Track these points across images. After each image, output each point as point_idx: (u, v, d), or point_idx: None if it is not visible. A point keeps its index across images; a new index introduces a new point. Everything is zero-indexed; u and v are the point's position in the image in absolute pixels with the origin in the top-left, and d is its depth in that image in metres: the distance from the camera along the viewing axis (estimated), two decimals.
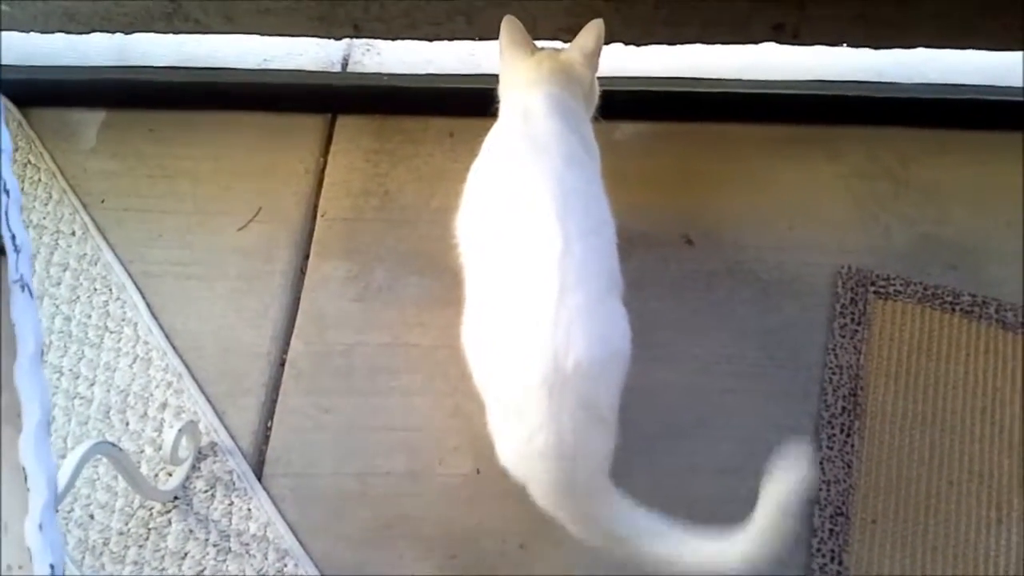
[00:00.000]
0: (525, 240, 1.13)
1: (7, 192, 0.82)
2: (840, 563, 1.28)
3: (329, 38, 1.75)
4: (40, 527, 0.78)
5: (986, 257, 1.61)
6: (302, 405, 1.49)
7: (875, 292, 1.53)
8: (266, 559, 1.35)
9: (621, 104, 1.75)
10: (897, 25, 1.64)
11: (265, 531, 1.37)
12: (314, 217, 1.69)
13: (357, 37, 1.74)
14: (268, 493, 1.41)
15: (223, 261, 1.65)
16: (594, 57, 1.34)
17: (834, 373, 1.45)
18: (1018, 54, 1.69)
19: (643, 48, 1.73)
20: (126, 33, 1.75)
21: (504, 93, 1.36)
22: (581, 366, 1.05)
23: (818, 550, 1.30)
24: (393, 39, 1.75)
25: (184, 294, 1.60)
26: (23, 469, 0.79)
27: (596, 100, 1.37)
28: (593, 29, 1.33)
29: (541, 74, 1.30)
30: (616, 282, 1.17)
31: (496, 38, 1.64)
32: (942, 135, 1.77)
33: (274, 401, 1.49)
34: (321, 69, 1.90)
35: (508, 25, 1.36)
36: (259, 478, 1.42)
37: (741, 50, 1.71)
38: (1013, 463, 1.37)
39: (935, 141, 1.76)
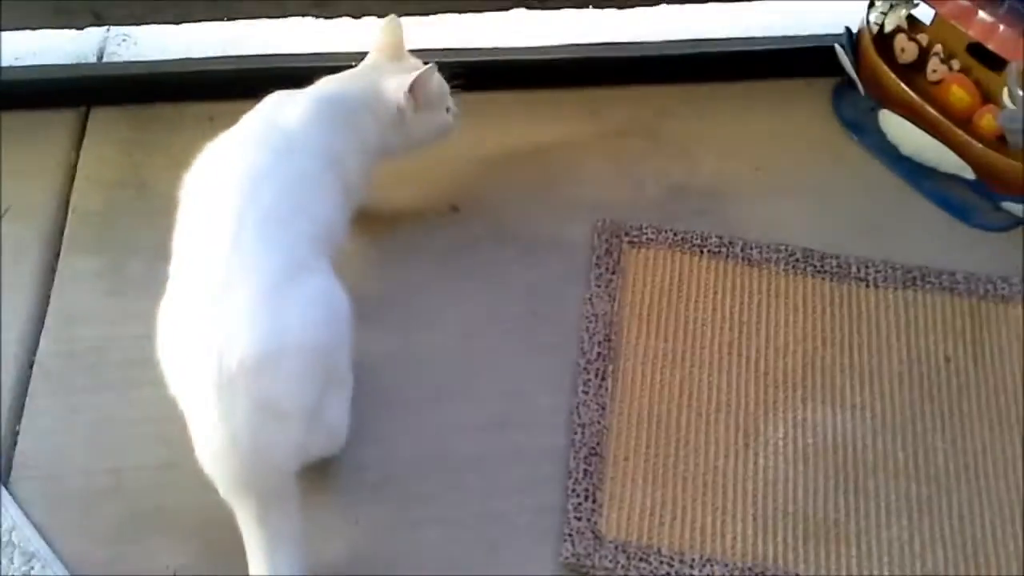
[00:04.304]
0: (201, 231, 1.11)
1: None
2: (594, 500, 1.31)
3: (69, 27, 1.69)
4: None
5: (735, 201, 1.68)
6: (51, 405, 1.43)
7: (628, 242, 1.57)
8: (12, 563, 1.29)
9: None
10: None
11: (11, 536, 1.31)
12: (66, 212, 1.63)
13: (100, 25, 1.69)
14: (14, 497, 1.35)
15: None
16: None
17: (590, 322, 1.48)
18: (758, 5, 1.76)
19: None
20: None
21: None
22: (246, 364, 1.03)
23: (573, 490, 1.32)
24: (137, 24, 1.70)
25: None
26: None
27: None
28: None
29: None
30: (307, 266, 1.16)
31: (241, 17, 1.62)
32: (694, 89, 1.83)
33: (22, 404, 1.43)
34: (75, 63, 1.83)
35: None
36: (5, 483, 1.35)
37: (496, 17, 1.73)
38: (759, 391, 1.43)
39: (688, 96, 1.82)
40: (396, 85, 1.37)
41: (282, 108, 1.32)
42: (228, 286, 1.08)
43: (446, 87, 1.45)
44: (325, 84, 1.41)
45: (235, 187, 1.18)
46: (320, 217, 1.24)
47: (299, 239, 1.18)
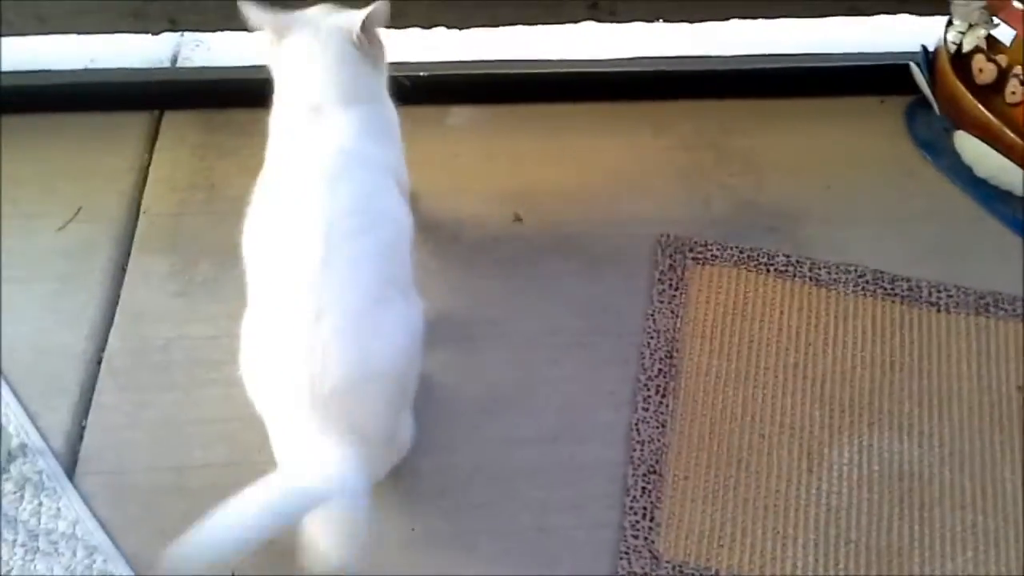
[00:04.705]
0: (287, 249, 1.13)
1: None
2: (652, 519, 1.29)
3: (146, 33, 1.72)
4: None
5: (803, 219, 1.65)
6: (118, 402, 1.46)
7: (693, 258, 1.55)
8: (75, 556, 1.31)
9: (452, 89, 1.77)
10: None
11: (74, 529, 1.33)
12: (137, 214, 1.66)
13: (174, 31, 1.73)
14: (79, 491, 1.37)
15: (41, 263, 1.61)
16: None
17: (652, 337, 1.47)
18: (827, 21, 1.73)
19: (468, 32, 1.74)
20: None
21: None
22: (338, 390, 1.06)
23: (631, 508, 1.31)
24: (212, 31, 1.73)
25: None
26: None
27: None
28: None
29: None
30: (397, 279, 1.17)
31: None
32: (763, 105, 1.81)
33: (89, 400, 1.46)
34: (149, 67, 1.87)
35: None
36: (71, 477, 1.38)
37: (566, 30, 1.73)
38: (824, 415, 1.40)
39: (756, 111, 1.80)
40: (347, 19, 1.23)
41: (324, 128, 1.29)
42: (320, 312, 1.08)
43: None
44: None
45: (314, 211, 1.16)
46: (395, 224, 1.24)
47: (382, 253, 1.17)
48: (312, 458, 1.08)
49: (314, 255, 1.10)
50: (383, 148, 1.29)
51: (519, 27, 1.72)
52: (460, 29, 1.72)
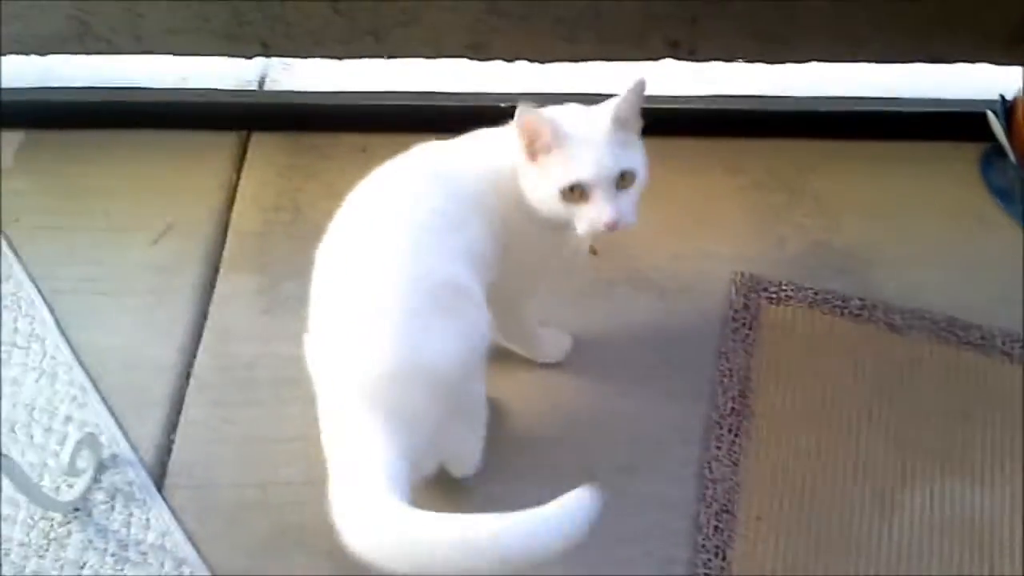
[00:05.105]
0: (358, 246, 1.17)
1: None
2: (724, 558, 1.32)
3: (238, 56, 1.78)
4: None
5: (877, 263, 1.67)
6: (205, 417, 1.51)
7: (767, 298, 1.58)
8: (163, 567, 1.36)
9: None
10: (787, 41, 1.70)
11: (163, 540, 1.38)
12: (225, 232, 1.72)
13: (266, 55, 1.78)
14: (168, 503, 1.42)
15: (133, 277, 1.67)
16: None
17: (724, 375, 1.49)
18: (905, 66, 1.75)
19: (549, 66, 1.78)
20: (40, 55, 1.77)
21: None
22: (384, 375, 1.11)
23: (703, 546, 1.33)
24: (303, 57, 1.78)
25: (93, 310, 1.62)
26: None
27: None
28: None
29: None
30: (460, 290, 1.18)
31: (400, 55, 1.69)
32: (837, 146, 1.83)
33: (178, 413, 1.51)
34: (238, 87, 1.93)
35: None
36: (160, 489, 1.44)
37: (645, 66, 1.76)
38: (896, 459, 1.42)
39: (831, 152, 1.82)
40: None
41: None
42: (380, 306, 1.12)
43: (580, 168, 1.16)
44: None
45: (391, 210, 1.20)
46: (475, 246, 1.23)
47: (453, 260, 1.19)
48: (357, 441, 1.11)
49: (381, 251, 1.15)
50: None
51: (600, 62, 1.74)
52: (542, 63, 1.75)
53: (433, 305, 1.14)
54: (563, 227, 1.21)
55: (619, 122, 1.16)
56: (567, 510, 1.02)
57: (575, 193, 1.16)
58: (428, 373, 1.13)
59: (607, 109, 1.17)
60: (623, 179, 1.17)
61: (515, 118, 1.15)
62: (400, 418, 1.12)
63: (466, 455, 1.38)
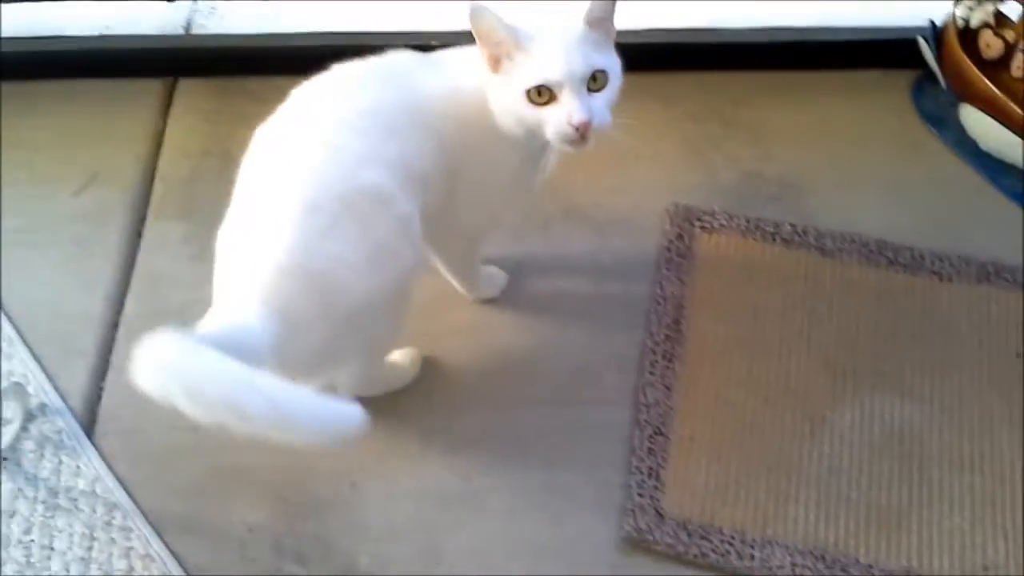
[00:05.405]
0: (282, 146, 1.14)
1: None
2: (657, 478, 1.33)
3: (166, 0, 1.74)
4: None
5: (809, 190, 1.68)
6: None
7: (700, 227, 1.58)
8: (94, 513, 1.34)
9: None
10: None
11: (94, 487, 1.37)
12: (152, 179, 1.69)
13: None
14: (98, 450, 1.41)
15: (58, 227, 1.64)
16: None
17: (659, 304, 1.49)
18: None
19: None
20: None
21: None
22: (272, 268, 1.06)
23: (637, 468, 1.34)
24: None
25: (18, 262, 1.59)
26: None
27: None
28: None
29: None
30: (371, 224, 1.12)
31: None
32: (771, 77, 1.83)
33: (107, 361, 1.49)
34: (163, 33, 1.88)
35: None
36: (90, 436, 1.42)
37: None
38: (827, 380, 1.43)
39: (764, 83, 1.82)
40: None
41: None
42: (285, 200, 1.08)
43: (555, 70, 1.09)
44: None
45: (321, 107, 1.17)
46: (414, 160, 1.15)
47: (379, 167, 1.11)
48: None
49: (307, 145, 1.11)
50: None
51: None
52: None
53: (342, 210, 1.08)
54: (531, 145, 1.17)
55: (592, 22, 1.10)
56: (337, 413, 0.98)
57: (543, 96, 1.09)
58: (321, 281, 1.08)
59: (579, 10, 1.10)
60: (595, 80, 1.10)
61: (469, 19, 1.08)
62: (284, 319, 1.06)
63: (347, 380, 1.33)
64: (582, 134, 1.10)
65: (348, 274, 1.09)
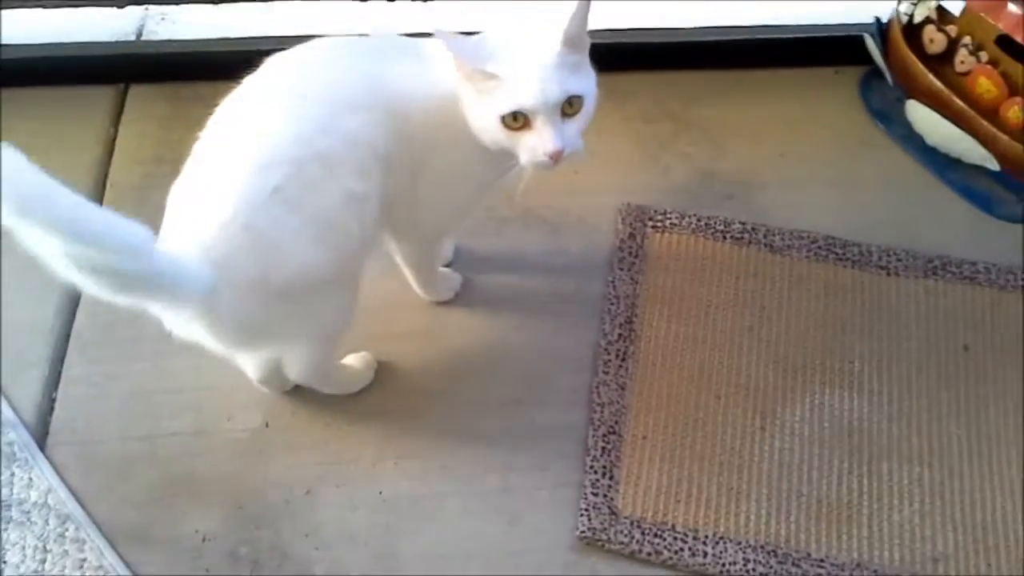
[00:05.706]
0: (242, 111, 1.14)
1: None
2: (611, 477, 1.34)
3: (111, 6, 1.73)
4: None
5: (760, 187, 1.70)
6: (87, 374, 1.48)
7: (652, 226, 1.59)
8: (47, 524, 1.34)
9: None
10: None
11: (46, 498, 1.36)
12: (104, 187, 1.67)
13: (139, 3, 1.72)
14: (51, 462, 1.40)
15: (8, 237, 1.61)
16: None
17: (612, 303, 1.51)
18: None
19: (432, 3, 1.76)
20: None
21: None
22: (215, 226, 1.07)
23: (591, 467, 1.35)
24: (177, 3, 1.73)
25: None
26: None
27: None
28: None
29: None
30: (322, 193, 1.12)
31: None
32: (722, 76, 1.85)
33: (59, 372, 1.48)
34: (114, 40, 1.87)
35: None
36: (42, 448, 1.41)
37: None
38: (777, 375, 1.45)
39: (715, 83, 1.84)
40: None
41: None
42: (236, 158, 1.09)
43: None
44: None
45: (285, 76, 1.16)
46: (375, 139, 1.14)
47: (335, 139, 1.11)
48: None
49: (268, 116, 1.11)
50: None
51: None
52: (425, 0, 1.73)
53: (294, 173, 1.08)
54: (502, 158, 1.15)
55: (570, 41, 1.08)
56: (127, 227, 0.98)
57: (518, 121, 1.09)
58: (263, 241, 1.07)
59: (556, 27, 1.07)
60: (570, 105, 1.10)
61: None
62: (222, 273, 1.07)
63: (293, 363, 1.33)
64: (555, 161, 1.10)
65: (289, 240, 1.09)
